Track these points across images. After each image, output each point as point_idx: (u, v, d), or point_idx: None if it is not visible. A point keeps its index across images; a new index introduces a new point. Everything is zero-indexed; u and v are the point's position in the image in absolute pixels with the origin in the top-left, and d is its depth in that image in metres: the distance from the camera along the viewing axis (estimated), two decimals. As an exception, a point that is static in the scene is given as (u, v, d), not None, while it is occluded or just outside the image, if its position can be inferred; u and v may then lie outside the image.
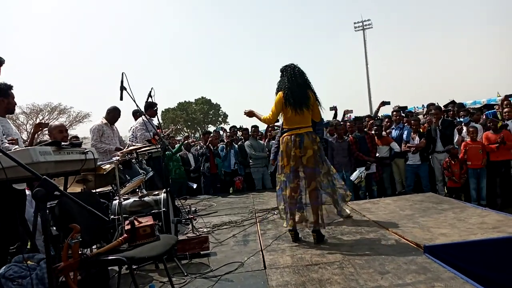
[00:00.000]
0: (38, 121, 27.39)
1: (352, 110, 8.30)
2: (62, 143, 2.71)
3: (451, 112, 7.75)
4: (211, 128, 41.15)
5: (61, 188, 2.97)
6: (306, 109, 3.84)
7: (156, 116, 5.75)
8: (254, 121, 8.67)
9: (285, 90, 3.86)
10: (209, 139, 8.43)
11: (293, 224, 3.88)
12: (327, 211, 3.98)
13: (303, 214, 3.97)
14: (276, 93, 3.98)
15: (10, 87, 3.63)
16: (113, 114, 5.66)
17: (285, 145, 3.84)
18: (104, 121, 5.60)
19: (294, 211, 3.92)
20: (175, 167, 7.88)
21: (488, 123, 6.48)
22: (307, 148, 3.77)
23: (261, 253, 3.65)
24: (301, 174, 3.91)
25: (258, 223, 4.81)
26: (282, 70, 4.04)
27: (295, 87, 3.86)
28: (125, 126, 7.05)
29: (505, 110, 6.88)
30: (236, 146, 8.41)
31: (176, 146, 8.60)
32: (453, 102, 9.04)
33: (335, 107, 7.87)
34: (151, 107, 5.55)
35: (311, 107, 3.89)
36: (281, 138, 3.99)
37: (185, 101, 52.47)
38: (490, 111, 7.52)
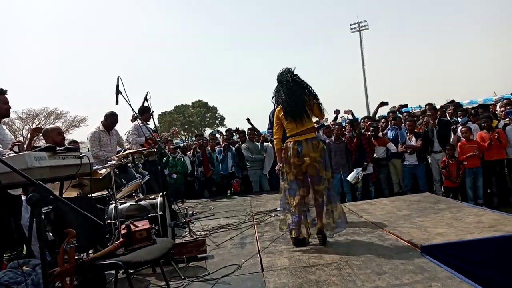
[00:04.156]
0: (34, 126, 27.33)
1: (350, 111, 8.24)
2: (57, 148, 2.70)
3: (450, 111, 7.77)
4: (208, 131, 41.07)
5: (57, 193, 2.99)
6: (306, 117, 3.79)
7: (151, 120, 5.62)
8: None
9: (283, 104, 3.81)
10: (195, 143, 8.46)
11: (301, 233, 3.78)
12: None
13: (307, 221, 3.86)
14: (275, 105, 4.02)
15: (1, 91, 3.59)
16: (110, 120, 5.45)
17: (286, 153, 3.81)
18: (101, 127, 5.41)
19: (302, 220, 3.79)
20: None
21: (482, 123, 6.51)
22: (304, 156, 3.69)
23: (258, 255, 3.64)
24: (304, 181, 3.81)
25: (255, 226, 4.80)
26: (278, 79, 3.95)
27: (292, 98, 3.79)
28: (123, 130, 7.01)
29: (501, 109, 6.94)
30: (233, 148, 8.41)
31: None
32: (452, 101, 9.04)
33: (338, 110, 7.90)
34: (145, 112, 5.48)
35: (310, 112, 3.83)
36: (284, 144, 3.90)
37: (182, 104, 52.33)
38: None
